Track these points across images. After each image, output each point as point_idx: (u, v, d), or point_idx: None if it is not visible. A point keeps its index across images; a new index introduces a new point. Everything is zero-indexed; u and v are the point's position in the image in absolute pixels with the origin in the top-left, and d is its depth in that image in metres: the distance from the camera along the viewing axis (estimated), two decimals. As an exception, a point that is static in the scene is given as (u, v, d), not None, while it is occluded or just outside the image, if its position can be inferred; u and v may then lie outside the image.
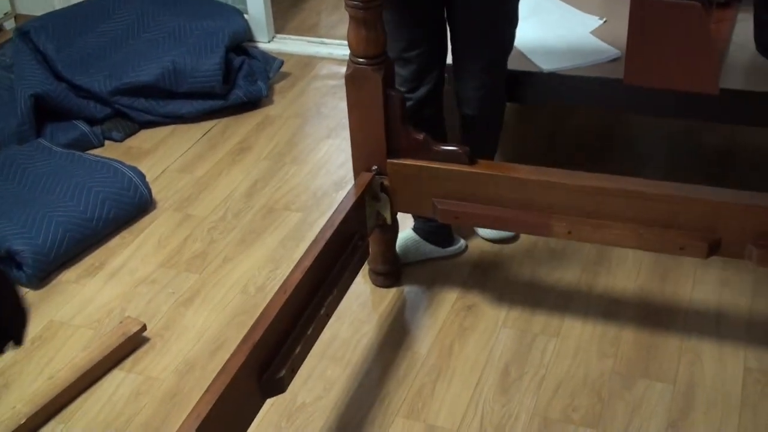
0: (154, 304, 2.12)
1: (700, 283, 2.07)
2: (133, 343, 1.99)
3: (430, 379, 1.86)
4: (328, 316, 1.74)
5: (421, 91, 1.99)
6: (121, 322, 2.02)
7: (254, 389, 1.52)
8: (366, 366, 1.91)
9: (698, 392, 1.78)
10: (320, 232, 1.77)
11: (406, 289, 2.12)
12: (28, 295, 2.19)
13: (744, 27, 2.27)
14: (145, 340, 2.02)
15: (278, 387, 1.56)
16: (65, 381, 1.86)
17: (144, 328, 2.01)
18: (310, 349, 1.68)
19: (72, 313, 2.12)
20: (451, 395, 1.82)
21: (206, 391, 1.39)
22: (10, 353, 1.99)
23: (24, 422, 1.78)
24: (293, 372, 1.61)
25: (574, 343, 1.93)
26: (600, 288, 2.08)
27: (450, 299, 2.08)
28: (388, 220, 1.98)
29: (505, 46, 2.04)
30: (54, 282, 2.23)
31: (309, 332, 1.64)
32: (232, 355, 1.47)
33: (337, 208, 1.84)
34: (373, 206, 1.94)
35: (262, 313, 1.56)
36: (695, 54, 2.05)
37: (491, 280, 2.13)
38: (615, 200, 1.82)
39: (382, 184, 1.92)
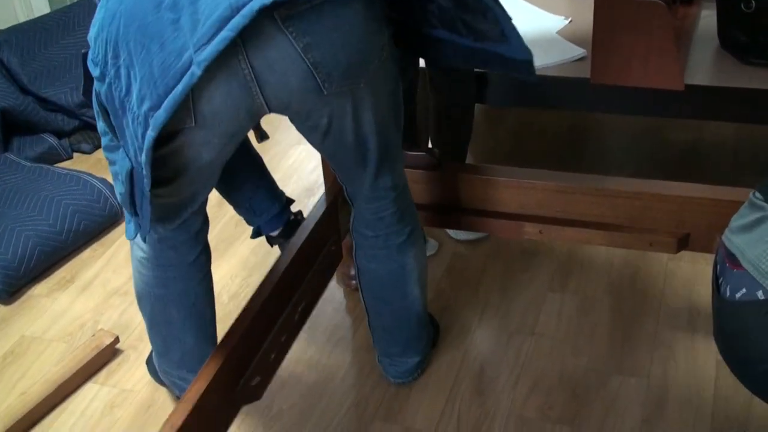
0: (127, 316, 2.11)
1: (671, 278, 2.09)
2: (107, 356, 1.98)
3: (406, 381, 1.86)
4: (303, 322, 1.74)
5: None
6: (93, 335, 2.00)
7: (229, 397, 1.51)
8: (342, 371, 1.91)
9: (671, 387, 1.80)
10: (294, 237, 1.77)
11: (380, 292, 2.12)
12: (-1, 310, 2.16)
13: (708, 23, 2.29)
14: (119, 352, 2.00)
15: (253, 394, 1.56)
16: (38, 396, 1.84)
17: (117, 340, 2.00)
18: (285, 355, 1.68)
19: (44, 327, 2.10)
20: (427, 397, 1.82)
21: (180, 400, 1.39)
22: (-18, 370, 1.97)
23: (-3, 439, 1.76)
24: (268, 379, 1.61)
25: (548, 342, 1.94)
26: (572, 286, 2.09)
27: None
28: None
29: None
30: (25, 296, 2.21)
31: (283, 339, 1.64)
32: (206, 364, 1.46)
33: (309, 215, 1.84)
34: (346, 211, 1.94)
35: (235, 322, 1.55)
36: (660, 51, 2.07)
37: (464, 281, 2.14)
38: (584, 199, 1.84)
39: None
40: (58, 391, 1.87)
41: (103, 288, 2.21)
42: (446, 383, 1.85)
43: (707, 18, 2.32)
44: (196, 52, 1.18)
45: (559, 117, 2.77)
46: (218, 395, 1.46)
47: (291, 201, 1.97)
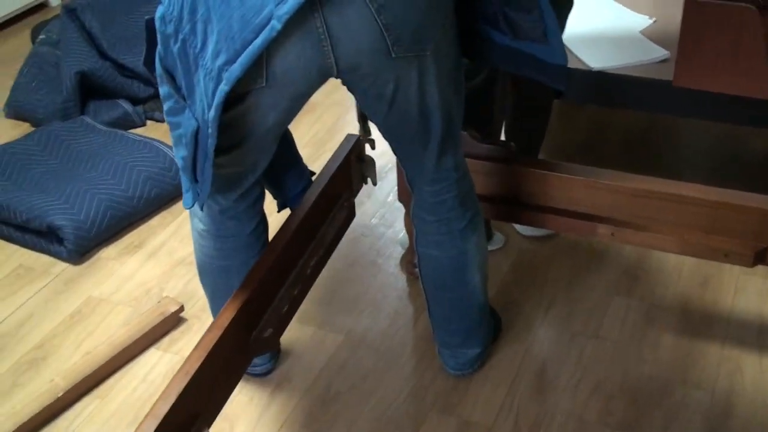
0: (192, 286, 2.13)
1: (743, 292, 2.04)
2: (171, 323, 2.01)
3: (466, 374, 1.86)
4: (315, 276, 1.75)
5: (476, 81, 1.96)
6: (159, 302, 2.03)
7: (242, 347, 1.53)
8: (402, 358, 1.91)
9: (737, 402, 1.76)
10: (307, 193, 1.77)
11: (444, 282, 2.11)
12: (68, 270, 2.21)
13: (799, 32, 2.22)
14: (183, 320, 2.03)
15: (266, 345, 1.58)
16: (103, 357, 1.88)
17: (182, 308, 2.03)
18: (297, 308, 1.69)
19: (111, 289, 2.14)
20: (486, 391, 1.81)
21: (195, 347, 1.39)
22: (51, 326, 2.02)
23: (61, 396, 1.80)
24: (280, 331, 1.63)
25: (612, 346, 1.91)
26: (640, 291, 2.06)
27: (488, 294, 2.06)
28: (374, 182, 1.99)
29: None
30: (94, 258, 2.25)
31: (296, 292, 1.65)
32: (220, 315, 1.47)
33: (321, 171, 1.84)
34: (359, 169, 1.94)
35: (249, 274, 1.56)
36: (748, 57, 2.02)
37: (530, 277, 2.12)
38: (659, 203, 1.80)
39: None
40: (122, 354, 1.91)
41: (169, 256, 2.24)
42: (506, 378, 1.84)
43: (799, 27, 2.25)
44: (276, 6, 1.19)
45: (635, 118, 2.72)
46: (231, 344, 1.46)
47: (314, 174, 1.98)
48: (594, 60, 2.22)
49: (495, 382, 1.83)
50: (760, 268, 1.97)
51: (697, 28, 2.03)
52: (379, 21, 1.27)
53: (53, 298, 2.12)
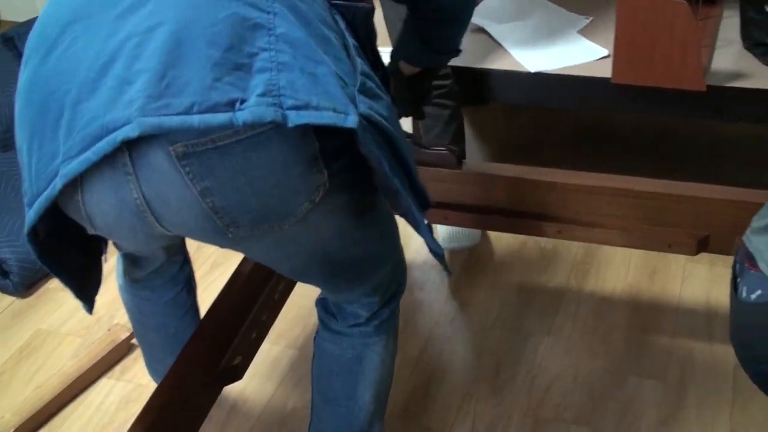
0: (143, 311, 2.11)
1: (690, 280, 2.07)
2: (122, 351, 1.98)
3: (422, 380, 1.86)
4: (283, 301, 1.74)
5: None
6: (109, 330, 2.01)
7: (210, 378, 1.52)
8: (357, 369, 1.91)
9: (689, 389, 1.78)
10: None
11: (396, 290, 2.12)
12: (15, 304, 2.17)
13: (730, 24, 2.27)
14: (134, 347, 2.00)
15: (235, 374, 1.56)
16: (54, 389, 1.85)
17: (132, 335, 2.00)
18: (266, 334, 1.68)
19: (60, 321, 2.11)
20: (442, 396, 1.81)
21: (162, 380, 1.38)
22: (-2, 363, 1.98)
23: (12, 432, 1.77)
24: (249, 359, 1.62)
25: (564, 343, 1.93)
26: (590, 286, 2.08)
27: (440, 300, 2.07)
28: None
29: None
30: (41, 290, 2.21)
31: (264, 318, 1.64)
32: (187, 345, 1.46)
33: None
34: None
35: (215, 302, 1.55)
36: (682, 51, 2.06)
37: (481, 280, 2.13)
38: (603, 199, 1.82)
39: None
40: (74, 385, 1.88)
41: (119, 282, 2.22)
42: (462, 383, 1.84)
43: (730, 19, 2.30)
44: (62, 162, 1.02)
45: (577, 116, 2.75)
46: (199, 375, 1.46)
47: None
48: (532, 63, 2.24)
49: (451, 386, 1.84)
50: (706, 255, 2.00)
51: (631, 25, 2.07)
52: (205, 204, 1.05)
53: (0, 334, 2.08)
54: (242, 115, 0.98)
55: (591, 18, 2.41)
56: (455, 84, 2.15)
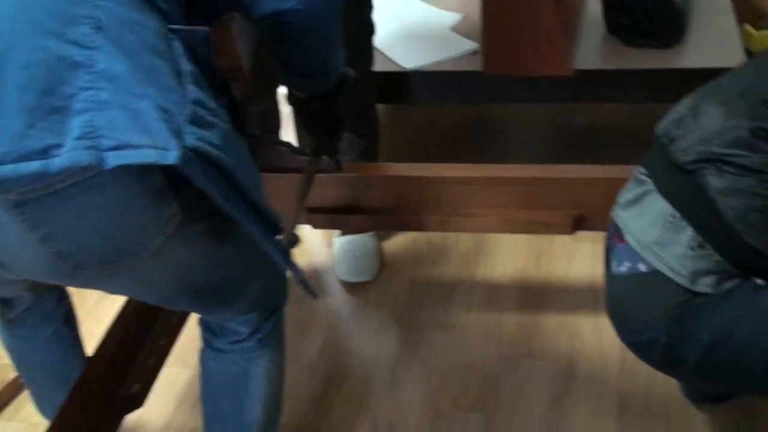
0: (34, 347, 2.06)
1: (575, 259, 2.13)
2: (12, 390, 1.92)
3: (320, 385, 1.86)
4: (182, 323, 1.72)
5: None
6: (-2, 370, 1.95)
7: (108, 408, 1.50)
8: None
9: (578, 365, 1.83)
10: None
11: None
12: None
13: (594, 9, 2.34)
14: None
15: (134, 403, 1.54)
16: (-58, 438, 1.79)
17: (22, 373, 1.95)
18: (165, 359, 1.65)
19: (-54, 367, 2.04)
20: (341, 399, 1.82)
21: (57, 415, 1.35)
22: None
23: None
24: (148, 385, 1.60)
25: (459, 333, 1.95)
26: (480, 275, 2.12)
27: (333, 304, 2.08)
28: None
29: None
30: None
31: (162, 343, 1.62)
32: (82, 376, 1.43)
33: None
34: None
35: (108, 330, 1.52)
36: (547, 38, 2.11)
37: (373, 280, 2.14)
38: (480, 189, 1.85)
39: None
40: (-37, 430, 1.82)
41: (7, 321, 2.16)
42: (360, 383, 1.85)
43: (593, 4, 2.37)
44: None
45: (461, 113, 2.80)
46: (96, 407, 1.43)
47: None
48: (407, 60, 2.28)
49: (349, 388, 1.84)
50: (589, 234, 2.06)
51: (497, 15, 2.11)
52: (47, 249, 1.04)
53: None
54: (58, 162, 0.95)
55: (464, 14, 2.45)
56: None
